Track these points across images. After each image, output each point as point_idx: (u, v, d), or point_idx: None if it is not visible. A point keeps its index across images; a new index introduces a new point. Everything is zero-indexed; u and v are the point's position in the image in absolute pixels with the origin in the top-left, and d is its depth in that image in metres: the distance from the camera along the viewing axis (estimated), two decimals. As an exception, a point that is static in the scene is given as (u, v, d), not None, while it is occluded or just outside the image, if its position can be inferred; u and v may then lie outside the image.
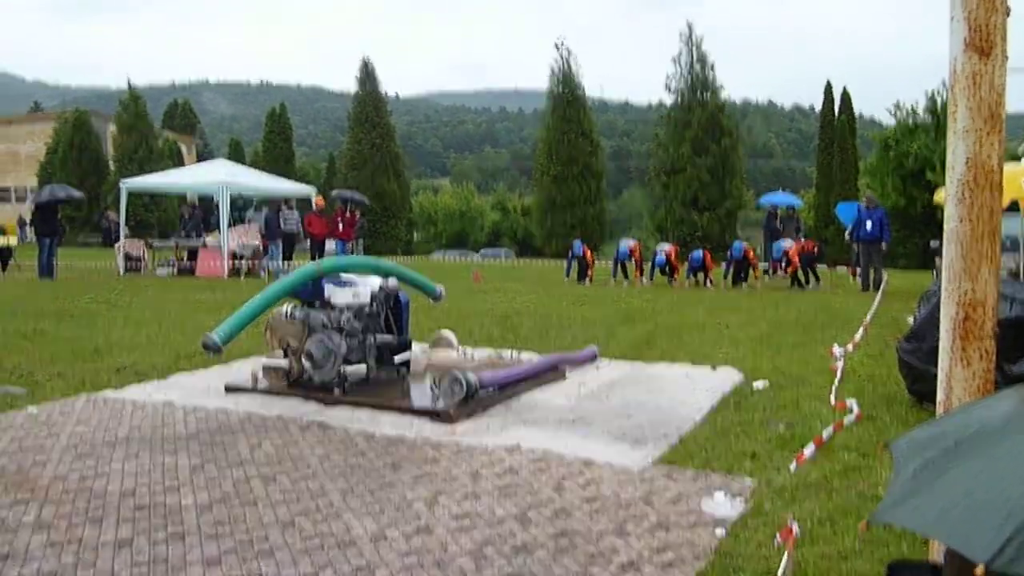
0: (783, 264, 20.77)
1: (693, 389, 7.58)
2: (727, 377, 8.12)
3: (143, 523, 4.35)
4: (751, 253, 20.33)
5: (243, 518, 4.41)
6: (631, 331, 10.74)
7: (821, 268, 20.99)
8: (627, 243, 21.63)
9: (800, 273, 19.84)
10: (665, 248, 20.94)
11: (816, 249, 20.30)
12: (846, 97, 40.26)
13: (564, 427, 6.30)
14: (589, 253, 22.28)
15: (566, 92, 42.00)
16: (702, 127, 37.44)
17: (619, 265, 21.33)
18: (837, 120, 39.82)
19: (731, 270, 20.24)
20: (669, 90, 40.20)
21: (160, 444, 5.82)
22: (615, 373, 8.36)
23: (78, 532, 4.23)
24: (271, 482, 5.00)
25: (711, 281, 20.40)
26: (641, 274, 21.27)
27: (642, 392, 7.50)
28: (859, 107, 44.56)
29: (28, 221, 31.22)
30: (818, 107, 43.67)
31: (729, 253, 20.54)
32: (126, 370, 8.43)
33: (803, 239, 21.97)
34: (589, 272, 21.85)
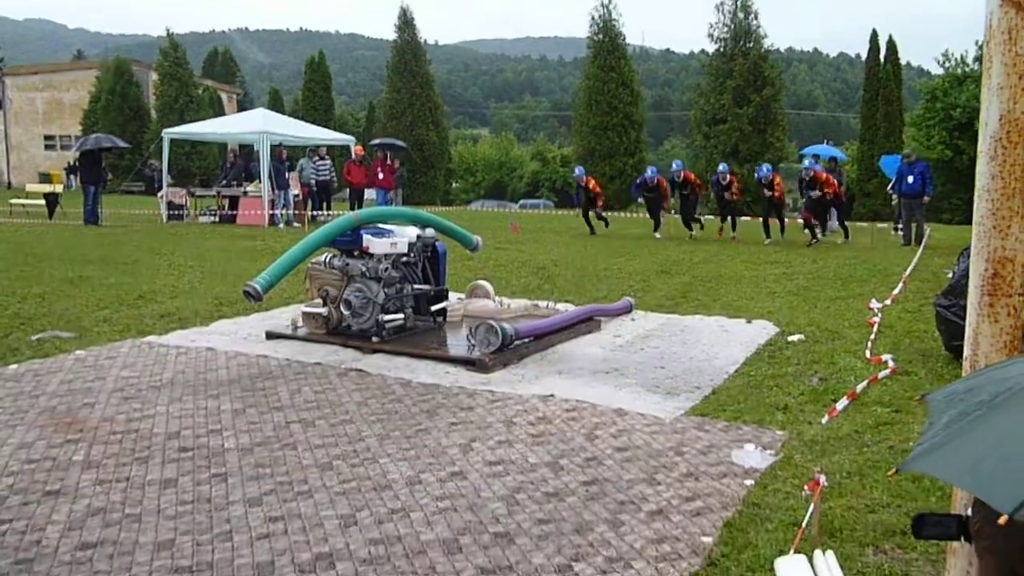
0: (768, 193, 18.44)
1: (727, 342, 7.61)
2: (762, 330, 8.13)
3: (187, 464, 4.51)
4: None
5: (283, 460, 4.56)
6: (667, 283, 10.75)
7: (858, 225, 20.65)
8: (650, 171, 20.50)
9: (812, 224, 17.82)
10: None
11: (834, 195, 18.15)
12: (892, 46, 39.29)
13: (598, 377, 6.37)
14: (593, 183, 21.18)
15: (606, 40, 41.49)
16: (744, 77, 36.88)
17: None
18: (882, 70, 38.95)
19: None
20: (712, 39, 39.59)
21: (203, 388, 5.98)
22: (650, 324, 8.40)
23: (125, 471, 4.40)
24: (310, 426, 5.14)
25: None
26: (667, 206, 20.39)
27: (676, 344, 7.54)
28: (906, 56, 43.44)
29: (73, 169, 31.66)
30: (864, 56, 42.75)
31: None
32: (170, 316, 8.62)
33: (842, 189, 20.85)
34: (600, 203, 21.03)
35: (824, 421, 5.24)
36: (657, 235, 19.72)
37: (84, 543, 3.58)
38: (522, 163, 66.79)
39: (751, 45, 38.12)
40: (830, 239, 18.75)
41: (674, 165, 20.70)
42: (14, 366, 6.54)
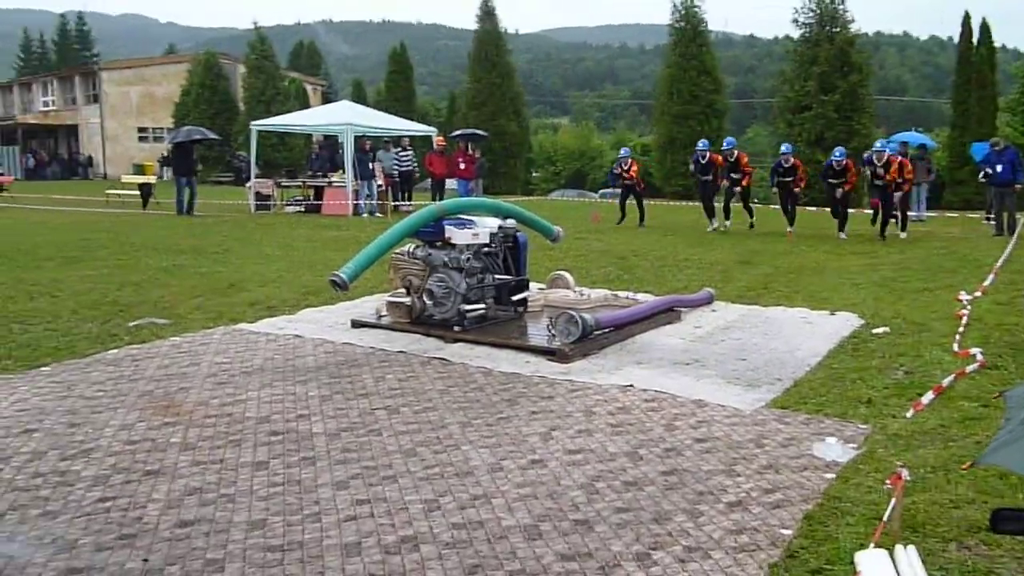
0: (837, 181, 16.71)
1: (810, 333, 7.53)
2: (846, 322, 8.02)
3: (278, 447, 4.69)
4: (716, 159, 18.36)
5: (368, 446, 4.70)
6: (748, 273, 10.65)
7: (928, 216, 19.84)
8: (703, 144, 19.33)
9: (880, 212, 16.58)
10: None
11: (901, 183, 16.18)
12: (986, 27, 37.87)
13: (678, 368, 6.38)
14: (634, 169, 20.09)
15: (688, 28, 41.00)
16: (830, 63, 36.01)
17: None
18: (975, 53, 37.62)
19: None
20: (796, 24, 38.73)
21: (292, 375, 6.19)
22: (731, 316, 8.36)
23: (220, 453, 4.60)
24: (394, 413, 5.28)
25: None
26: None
27: (757, 335, 7.49)
28: (1001, 38, 41.88)
29: (166, 160, 32.63)
30: (956, 39, 41.34)
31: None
32: (259, 304, 8.90)
33: (934, 177, 19.78)
34: (744, 183, 18.47)
35: (909, 415, 5.17)
36: (711, 227, 18.66)
37: (182, 521, 3.76)
38: (602, 152, 66.49)
39: (837, 30, 37.18)
40: (917, 227, 18.30)
41: (699, 144, 19.30)
42: (114, 351, 6.85)
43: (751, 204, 19.26)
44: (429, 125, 31.95)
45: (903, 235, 16.67)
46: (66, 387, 5.80)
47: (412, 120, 34.09)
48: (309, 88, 57.20)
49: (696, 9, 41.29)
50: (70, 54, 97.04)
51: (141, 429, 4.97)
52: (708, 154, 18.70)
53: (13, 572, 3.30)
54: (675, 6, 41.59)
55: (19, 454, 4.55)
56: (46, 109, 61.22)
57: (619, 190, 20.83)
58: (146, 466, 4.40)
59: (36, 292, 9.35)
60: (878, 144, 17.08)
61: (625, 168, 19.59)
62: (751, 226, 18.34)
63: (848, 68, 36.48)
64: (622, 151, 20.88)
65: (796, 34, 38.93)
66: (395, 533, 3.62)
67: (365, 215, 21.35)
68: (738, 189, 18.08)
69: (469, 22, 58.66)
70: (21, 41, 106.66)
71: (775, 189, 18.32)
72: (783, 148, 18.04)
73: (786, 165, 17.50)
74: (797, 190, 17.58)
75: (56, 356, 6.66)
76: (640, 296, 8.97)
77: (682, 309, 8.35)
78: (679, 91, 40.10)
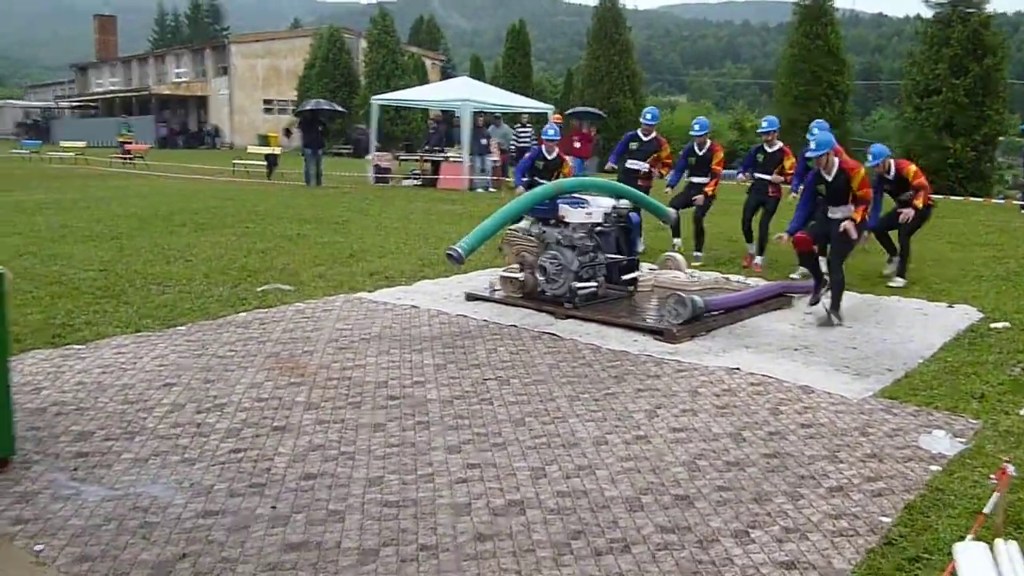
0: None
1: (925, 325, 7.40)
2: (964, 315, 7.83)
3: (395, 411, 4.95)
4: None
5: (479, 414, 4.92)
6: (865, 261, 10.42)
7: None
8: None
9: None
10: None
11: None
12: None
13: (786, 353, 6.39)
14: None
15: (813, 6, 39.82)
16: (962, 45, 34.44)
17: None
18: None
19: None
20: (928, 3, 37.14)
21: (408, 343, 6.46)
22: (844, 303, 8.25)
23: (341, 414, 4.89)
24: (505, 384, 5.49)
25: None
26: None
27: (870, 325, 7.41)
28: None
29: (290, 131, 33.61)
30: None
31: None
32: (378, 274, 9.24)
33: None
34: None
35: (1023, 412, 5.09)
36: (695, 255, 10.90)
37: (307, 474, 4.05)
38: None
39: (971, 11, 35.54)
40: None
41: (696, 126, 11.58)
42: (244, 314, 7.27)
43: None
44: (545, 102, 32.05)
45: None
46: (201, 346, 6.21)
47: (529, 96, 34.22)
48: (428, 63, 57.87)
49: (822, -15, 40.01)
50: (202, 27, 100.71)
51: (269, 388, 5.31)
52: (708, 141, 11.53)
53: (156, 511, 3.64)
54: (801, -17, 40.39)
55: (160, 405, 4.94)
56: (178, 80, 63.73)
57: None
58: (274, 422, 4.72)
59: (172, 256, 9.93)
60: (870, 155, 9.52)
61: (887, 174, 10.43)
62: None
63: (982, 51, 34.84)
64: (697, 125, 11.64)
65: (927, 14, 37.38)
66: (503, 497, 3.82)
67: (480, 190, 21.66)
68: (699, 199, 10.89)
69: (589, -2, 58.30)
70: (156, 15, 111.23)
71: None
72: (874, 150, 9.52)
73: (889, 176, 9.39)
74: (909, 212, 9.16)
75: (191, 317, 7.12)
76: (751, 280, 8.95)
77: (793, 295, 8.30)
78: (801, 71, 38.97)
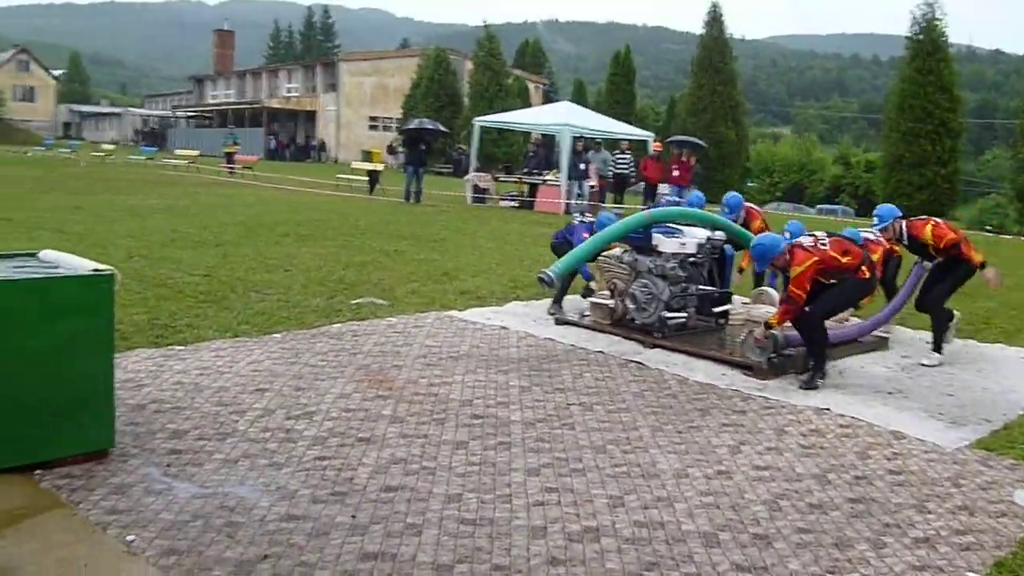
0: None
1: (1030, 375, 7.11)
2: (1073, 367, 7.49)
3: (477, 430, 5.00)
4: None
5: (561, 438, 4.93)
6: (969, 306, 10.08)
7: None
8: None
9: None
10: None
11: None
12: None
13: (878, 397, 6.23)
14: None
15: (926, 41, 38.78)
16: (1088, 84, 33.09)
17: None
18: None
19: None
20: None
21: (495, 363, 6.52)
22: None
23: (424, 429, 4.96)
24: (588, 410, 5.49)
25: None
26: None
27: (970, 372, 7.16)
28: None
29: (394, 148, 34.26)
30: None
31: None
32: (469, 294, 9.35)
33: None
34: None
35: None
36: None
37: (388, 486, 4.13)
38: (823, 166, 64.09)
39: (1100, 48, 34.11)
40: None
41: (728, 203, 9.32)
42: (337, 325, 7.45)
43: None
44: (647, 129, 31.98)
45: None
46: (294, 354, 6.39)
47: (630, 123, 34.21)
48: (531, 86, 58.42)
49: (937, 22, 38.97)
50: (314, 44, 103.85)
51: (357, 399, 5.43)
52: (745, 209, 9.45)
53: (242, 511, 3.76)
54: (914, 18, 39.45)
55: (252, 409, 5.10)
56: (289, 95, 65.70)
57: None
58: (359, 433, 4.83)
59: (273, 265, 10.24)
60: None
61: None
62: None
63: (1109, 91, 33.37)
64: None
65: (1050, 52, 35.99)
66: (579, 523, 3.83)
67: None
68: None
69: (694, 26, 58.11)
70: (272, 31, 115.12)
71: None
72: (881, 212, 7.99)
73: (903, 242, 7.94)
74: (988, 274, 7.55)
75: (286, 325, 7.33)
76: (852, 319, 8.74)
77: (887, 335, 8.08)
78: (911, 107, 37.98)
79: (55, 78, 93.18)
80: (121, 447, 4.35)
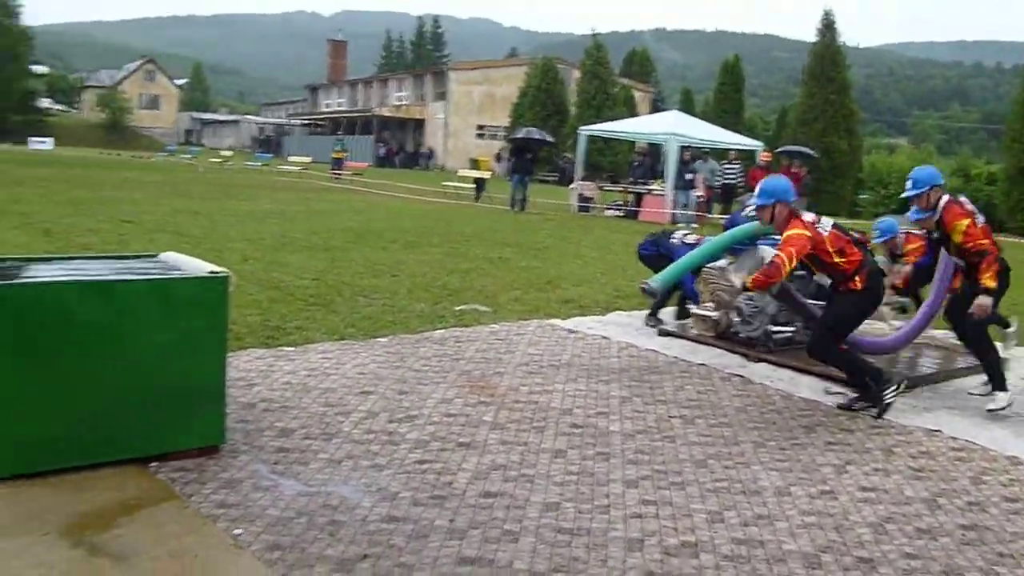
0: None
1: None
2: None
3: (576, 439, 5.01)
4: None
5: (661, 451, 4.89)
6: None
7: None
8: None
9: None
10: None
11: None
12: None
13: (996, 419, 5.97)
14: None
15: (1059, 48, 37.02)
16: None
17: None
18: None
19: None
20: None
21: (596, 373, 6.51)
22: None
23: (524, 437, 4.99)
24: (689, 423, 5.43)
25: None
26: None
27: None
28: None
29: (501, 157, 34.56)
30: None
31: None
32: (572, 302, 9.36)
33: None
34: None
35: None
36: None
37: (486, 492, 4.16)
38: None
39: None
40: None
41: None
42: (441, 331, 7.56)
43: None
44: (756, 139, 31.43)
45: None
46: (399, 358, 6.51)
47: (739, 133, 33.67)
48: (638, 95, 58.10)
49: (1069, 27, 37.13)
50: (424, 54, 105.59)
51: (458, 405, 5.50)
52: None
53: (344, 511, 3.85)
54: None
55: (356, 411, 5.22)
56: (398, 103, 67.00)
57: None
58: (460, 438, 4.89)
59: (380, 271, 10.46)
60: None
61: None
62: None
63: None
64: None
65: None
66: (677, 537, 3.79)
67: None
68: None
69: (806, 34, 56.88)
70: (383, 41, 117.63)
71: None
72: (881, 226, 8.46)
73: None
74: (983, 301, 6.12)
75: (391, 329, 7.47)
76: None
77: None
78: (1036, 118, 36.28)
79: (178, 87, 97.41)
80: (231, 443, 4.50)
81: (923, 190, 6.19)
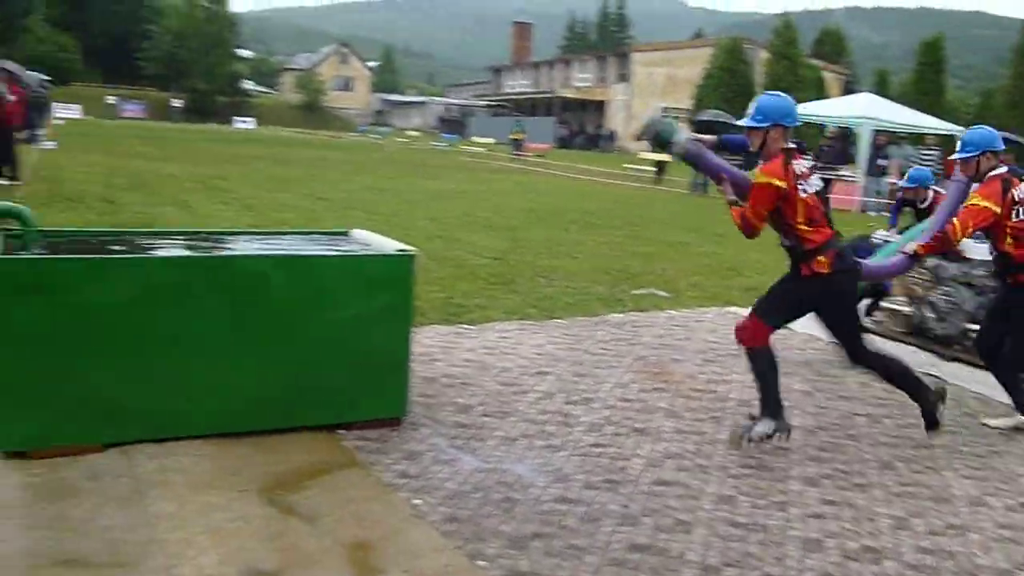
0: None
1: None
2: None
3: (754, 432, 4.88)
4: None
5: (844, 450, 4.71)
6: None
7: None
8: None
9: None
10: None
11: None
12: None
13: None
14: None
15: None
16: None
17: None
18: None
19: None
20: None
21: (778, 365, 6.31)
22: None
23: (700, 426, 4.93)
24: (876, 422, 5.21)
25: None
26: None
27: None
28: None
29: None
30: None
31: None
32: (754, 290, 9.09)
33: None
34: None
35: None
36: None
37: (660, 480, 4.14)
38: None
39: None
40: None
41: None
42: (618, 315, 7.55)
43: None
44: (956, 124, 29.55)
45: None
46: (575, 340, 6.55)
47: (938, 117, 31.75)
48: (828, 76, 55.72)
49: None
50: (607, 35, 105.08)
51: (634, 390, 5.48)
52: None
53: (519, 489, 3.92)
54: None
55: (533, 391, 5.30)
56: (580, 85, 67.00)
57: None
58: (635, 423, 4.87)
59: (560, 252, 10.54)
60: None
61: None
62: None
63: None
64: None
65: None
66: (858, 541, 3.65)
67: (871, 213, 20.52)
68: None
69: (1015, 10, 52.69)
70: (567, 22, 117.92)
71: None
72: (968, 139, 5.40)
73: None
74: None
75: (569, 311, 7.52)
76: None
77: None
78: None
79: (370, 70, 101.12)
80: (413, 416, 4.67)
81: (972, 154, 5.14)
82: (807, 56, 54.91)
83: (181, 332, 4.04)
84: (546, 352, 6.18)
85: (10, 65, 16.92)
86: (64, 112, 46.11)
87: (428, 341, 6.17)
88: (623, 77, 62.16)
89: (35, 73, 25.83)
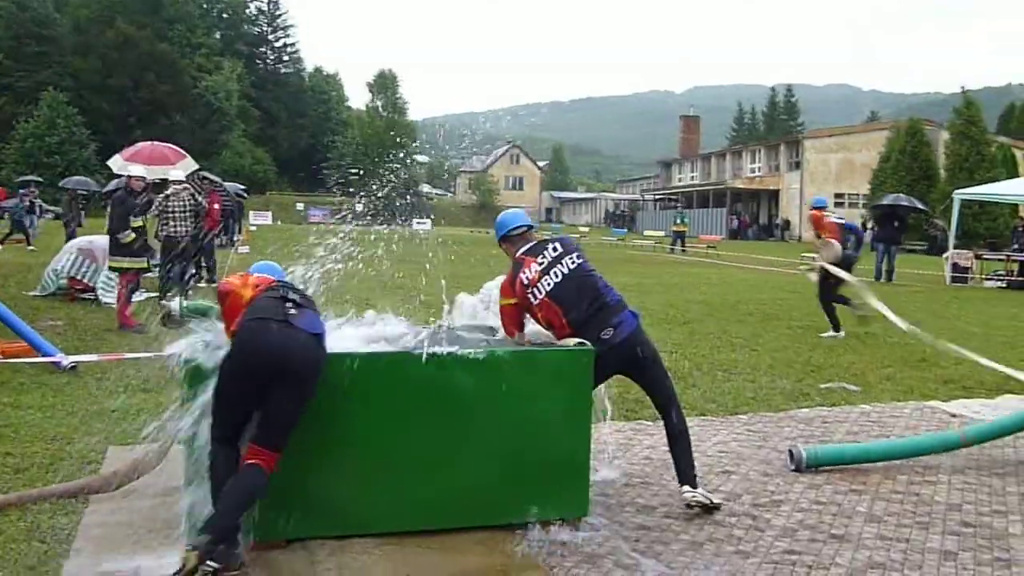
0: None
1: None
2: None
3: (968, 540, 4.43)
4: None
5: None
6: None
7: None
8: None
9: None
10: None
11: None
12: None
13: None
14: None
15: None
16: None
17: None
18: None
19: None
20: None
21: (987, 464, 5.79)
22: None
23: (905, 532, 4.51)
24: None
25: None
26: None
27: None
28: None
29: (866, 226, 32.87)
30: None
31: None
32: (953, 383, 8.49)
33: None
34: None
35: None
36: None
37: (865, 592, 3.78)
38: None
39: None
40: None
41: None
42: (805, 410, 7.15)
43: None
44: None
45: None
46: (761, 437, 6.22)
47: None
48: (1019, 154, 52.75)
49: None
50: (777, 124, 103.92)
51: (828, 492, 5.11)
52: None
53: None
54: None
55: (718, 492, 5.02)
56: (752, 175, 66.11)
57: None
58: (832, 529, 4.52)
59: (738, 344, 10.19)
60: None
61: None
62: None
63: None
64: None
65: None
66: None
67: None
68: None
69: None
70: (735, 113, 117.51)
71: None
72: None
73: None
74: None
75: (752, 407, 7.19)
76: None
77: None
78: None
79: (540, 168, 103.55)
80: (593, 516, 4.49)
81: None
82: (992, 134, 52.29)
83: (364, 429, 4.08)
84: (731, 450, 5.89)
85: (211, 176, 18.24)
86: (257, 219, 49.35)
87: (606, 437, 6.00)
88: (796, 164, 60.90)
89: (233, 184, 27.84)
